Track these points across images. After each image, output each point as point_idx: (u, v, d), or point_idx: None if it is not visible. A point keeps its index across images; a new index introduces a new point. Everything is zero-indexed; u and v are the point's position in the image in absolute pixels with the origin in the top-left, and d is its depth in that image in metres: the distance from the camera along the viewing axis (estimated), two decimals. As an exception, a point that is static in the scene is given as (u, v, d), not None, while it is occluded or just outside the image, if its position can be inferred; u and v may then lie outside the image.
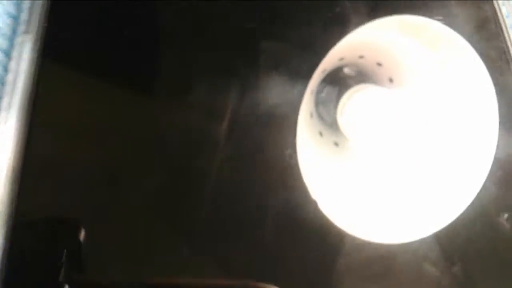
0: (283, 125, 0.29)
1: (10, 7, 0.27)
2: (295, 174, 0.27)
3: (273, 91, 0.30)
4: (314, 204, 0.26)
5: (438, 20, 0.28)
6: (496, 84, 0.28)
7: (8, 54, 0.26)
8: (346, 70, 0.33)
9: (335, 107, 0.32)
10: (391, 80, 0.32)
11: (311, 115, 0.32)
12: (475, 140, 0.29)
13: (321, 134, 0.32)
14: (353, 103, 0.30)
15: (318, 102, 0.33)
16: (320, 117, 0.33)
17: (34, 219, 0.24)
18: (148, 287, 0.23)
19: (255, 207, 0.26)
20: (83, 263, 0.23)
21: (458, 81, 0.30)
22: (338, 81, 0.33)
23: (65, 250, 0.23)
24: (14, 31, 0.26)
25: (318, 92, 0.32)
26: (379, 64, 0.32)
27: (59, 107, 0.26)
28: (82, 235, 0.23)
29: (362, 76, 0.33)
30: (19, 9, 0.26)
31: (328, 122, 0.33)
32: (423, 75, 0.31)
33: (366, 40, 0.31)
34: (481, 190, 0.27)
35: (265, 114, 0.29)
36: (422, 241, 0.27)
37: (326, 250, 0.26)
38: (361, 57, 0.32)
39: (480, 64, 0.28)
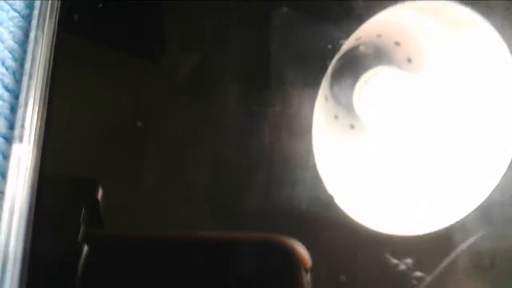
0: (299, 114, 0.28)
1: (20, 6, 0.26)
2: (311, 166, 0.27)
3: (288, 77, 0.29)
4: (330, 198, 0.26)
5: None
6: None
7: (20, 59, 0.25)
8: (362, 48, 0.32)
9: (352, 87, 0.31)
10: (409, 60, 0.31)
11: (326, 99, 0.31)
12: (497, 125, 0.28)
13: (336, 117, 0.32)
14: (371, 88, 0.29)
15: (333, 84, 0.32)
16: (336, 99, 0.32)
17: (50, 180, 0.23)
18: (166, 240, 0.23)
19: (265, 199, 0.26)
20: (102, 222, 0.23)
21: (480, 63, 0.29)
22: (355, 60, 0.32)
23: (83, 209, 0.23)
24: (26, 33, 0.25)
25: (334, 72, 0.31)
26: (397, 44, 0.31)
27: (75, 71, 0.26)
28: (99, 193, 0.23)
29: (380, 55, 0.32)
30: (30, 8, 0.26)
31: (343, 103, 0.32)
32: (442, 56, 0.30)
33: (384, 19, 0.30)
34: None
35: (279, 102, 0.28)
36: (439, 232, 0.26)
37: (343, 244, 0.26)
38: (378, 36, 0.31)
39: (503, 47, 0.27)
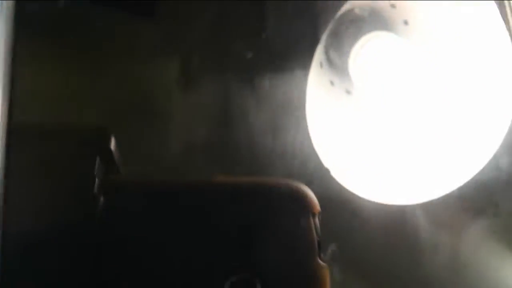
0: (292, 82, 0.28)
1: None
2: (305, 139, 0.26)
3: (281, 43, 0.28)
4: (326, 172, 0.26)
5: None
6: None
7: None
8: (357, 11, 0.31)
9: (347, 52, 0.31)
10: (405, 23, 0.30)
11: (321, 65, 0.30)
12: (494, 90, 0.28)
13: (332, 83, 0.31)
14: (366, 53, 0.29)
15: (329, 48, 0.31)
16: (331, 64, 0.31)
17: (60, 131, 0.23)
18: (183, 185, 0.23)
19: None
20: (118, 172, 0.23)
21: (475, 24, 0.28)
22: (350, 23, 0.31)
23: (97, 161, 0.22)
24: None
25: (328, 37, 0.31)
26: (393, 6, 0.30)
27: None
28: (112, 143, 0.23)
29: (375, 18, 0.30)
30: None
31: (339, 68, 0.31)
32: (439, 17, 0.29)
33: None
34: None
35: (273, 70, 0.28)
36: (436, 201, 0.26)
37: (341, 216, 0.26)
38: (373, -2, 0.30)
39: (496, 13, 0.26)
